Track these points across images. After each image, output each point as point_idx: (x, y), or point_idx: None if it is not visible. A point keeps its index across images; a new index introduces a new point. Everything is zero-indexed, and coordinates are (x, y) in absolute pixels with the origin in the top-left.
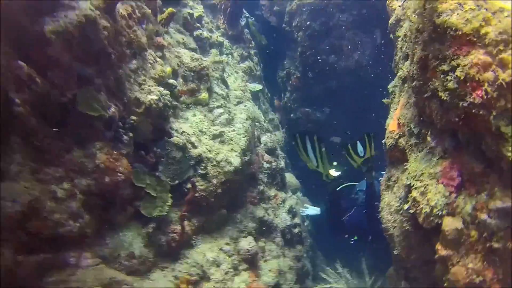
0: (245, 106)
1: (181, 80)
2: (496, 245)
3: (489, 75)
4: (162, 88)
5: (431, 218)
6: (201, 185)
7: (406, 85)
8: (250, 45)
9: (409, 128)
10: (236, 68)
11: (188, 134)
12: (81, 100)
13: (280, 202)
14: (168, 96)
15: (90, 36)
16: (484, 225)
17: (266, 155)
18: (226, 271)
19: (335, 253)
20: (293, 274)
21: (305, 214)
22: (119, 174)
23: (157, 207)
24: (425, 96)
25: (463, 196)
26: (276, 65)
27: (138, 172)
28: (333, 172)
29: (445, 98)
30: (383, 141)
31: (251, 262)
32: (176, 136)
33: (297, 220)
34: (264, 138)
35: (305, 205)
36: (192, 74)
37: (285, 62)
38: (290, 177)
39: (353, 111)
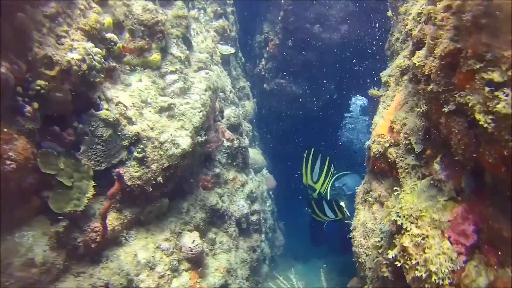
0: (207, 73)
1: (127, 35)
2: None
3: None
4: (91, 44)
5: (426, 286)
6: (136, 172)
7: (405, 78)
8: (228, 1)
9: (407, 140)
10: (207, 26)
11: (125, 105)
12: None
13: (239, 186)
14: (99, 56)
15: None
16: None
17: (228, 131)
18: (161, 274)
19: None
20: (246, 269)
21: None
22: (7, 162)
23: (72, 200)
24: (445, 109)
25: (476, 263)
26: (255, 28)
27: (47, 154)
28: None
29: (485, 125)
30: (367, 143)
31: (195, 261)
32: (107, 109)
33: (256, 206)
34: (228, 112)
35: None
36: (142, 28)
37: (264, 26)
38: (255, 154)
39: (332, 90)
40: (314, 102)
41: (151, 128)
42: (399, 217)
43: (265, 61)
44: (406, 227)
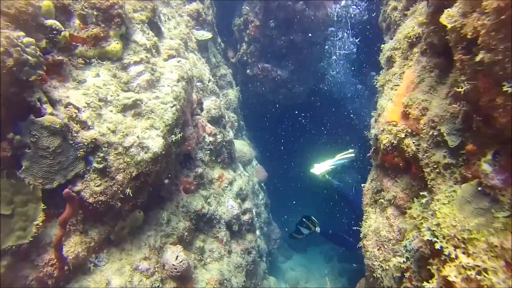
0: (179, 61)
1: (77, 22)
2: None
3: None
4: (20, 33)
5: None
6: (98, 186)
7: (416, 50)
8: None
9: (434, 130)
10: (180, 10)
11: (77, 107)
12: None
13: (226, 185)
14: (33, 47)
15: None
16: None
17: (209, 125)
18: None
19: None
20: (241, 275)
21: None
22: None
23: (14, 231)
24: (507, 87)
25: None
26: (234, 10)
27: None
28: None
29: None
30: (372, 132)
31: (182, 278)
32: (51, 113)
33: (248, 203)
34: (207, 103)
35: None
36: (96, 13)
37: (243, 7)
38: (242, 146)
39: (320, 72)
40: (301, 87)
41: (113, 132)
42: (436, 237)
43: (246, 45)
44: (449, 253)
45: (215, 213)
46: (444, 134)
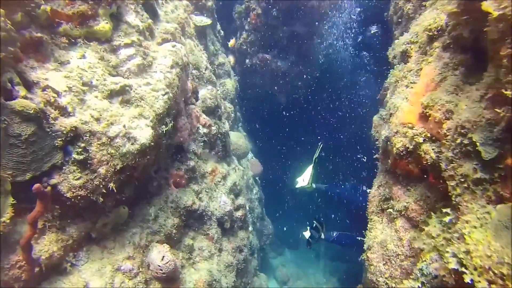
0: (174, 46)
1: None
2: None
3: None
4: None
5: None
6: (77, 179)
7: (437, 44)
8: None
9: (463, 138)
10: None
11: (56, 91)
12: None
13: (220, 180)
14: (2, 19)
15: None
16: None
17: (204, 116)
18: None
19: None
20: (231, 275)
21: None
22: None
23: None
24: None
25: None
26: None
27: None
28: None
29: None
30: (382, 133)
31: (168, 279)
32: (24, 96)
33: (241, 199)
34: (203, 92)
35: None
36: None
37: None
38: (238, 138)
39: (323, 65)
40: (301, 80)
41: (97, 120)
42: (465, 267)
43: (247, 34)
44: (479, 285)
45: (207, 209)
46: (477, 143)
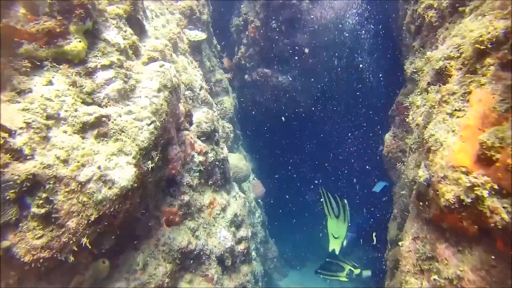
0: (162, 66)
1: (22, 11)
2: None
3: None
4: None
5: None
6: (38, 238)
7: (490, 61)
8: None
9: None
10: (171, 7)
11: (7, 130)
12: None
13: (219, 212)
14: None
15: None
16: None
17: (199, 142)
18: None
19: None
20: None
21: None
22: None
23: None
24: None
25: None
26: (232, 8)
27: None
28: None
29: None
30: (420, 173)
31: None
32: None
33: (243, 231)
34: (198, 116)
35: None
36: (51, 1)
37: (242, 6)
38: (238, 160)
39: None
40: (305, 95)
41: (64, 161)
42: None
43: (245, 48)
44: None
45: (205, 248)
46: None
